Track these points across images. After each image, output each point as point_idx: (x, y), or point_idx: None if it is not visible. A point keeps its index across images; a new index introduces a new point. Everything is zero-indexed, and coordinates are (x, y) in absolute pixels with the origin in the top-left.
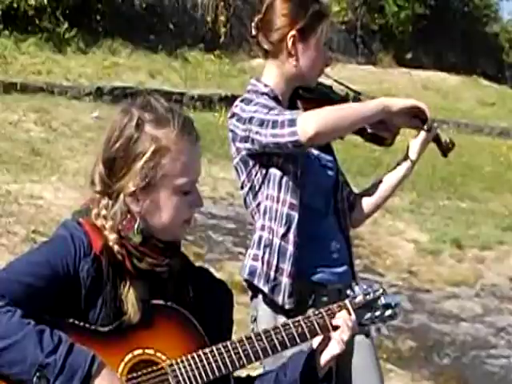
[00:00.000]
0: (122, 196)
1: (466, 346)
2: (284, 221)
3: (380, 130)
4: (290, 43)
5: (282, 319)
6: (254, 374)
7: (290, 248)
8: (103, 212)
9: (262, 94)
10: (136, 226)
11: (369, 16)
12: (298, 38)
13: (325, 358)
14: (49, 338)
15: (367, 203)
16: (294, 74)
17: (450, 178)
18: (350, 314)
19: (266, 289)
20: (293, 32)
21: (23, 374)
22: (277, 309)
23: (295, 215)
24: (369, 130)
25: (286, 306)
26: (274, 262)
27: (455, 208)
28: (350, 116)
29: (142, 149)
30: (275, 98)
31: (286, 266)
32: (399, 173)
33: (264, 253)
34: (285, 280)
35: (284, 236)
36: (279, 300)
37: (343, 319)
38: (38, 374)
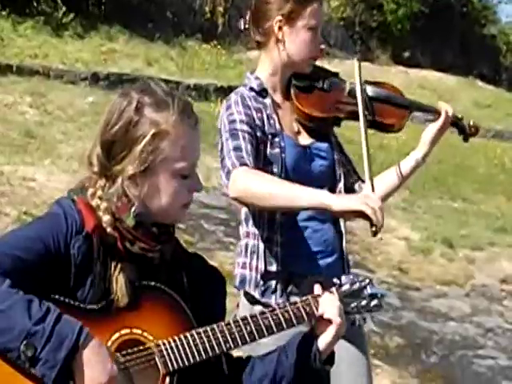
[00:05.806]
0: (119, 179)
1: (453, 346)
2: (267, 225)
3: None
4: (276, 28)
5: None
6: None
7: (276, 249)
8: (99, 193)
9: (251, 88)
10: (132, 210)
11: (367, 13)
12: (284, 23)
13: (324, 341)
14: (37, 306)
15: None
16: (283, 61)
17: (443, 177)
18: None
19: (256, 294)
20: (278, 17)
21: (11, 342)
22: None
23: (277, 217)
24: (368, 118)
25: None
26: (262, 267)
27: (447, 208)
28: (279, 198)
29: (142, 132)
30: (263, 91)
31: (274, 269)
32: (407, 164)
33: (251, 259)
34: (274, 282)
35: (268, 239)
36: (272, 302)
37: (325, 300)
38: (25, 342)
